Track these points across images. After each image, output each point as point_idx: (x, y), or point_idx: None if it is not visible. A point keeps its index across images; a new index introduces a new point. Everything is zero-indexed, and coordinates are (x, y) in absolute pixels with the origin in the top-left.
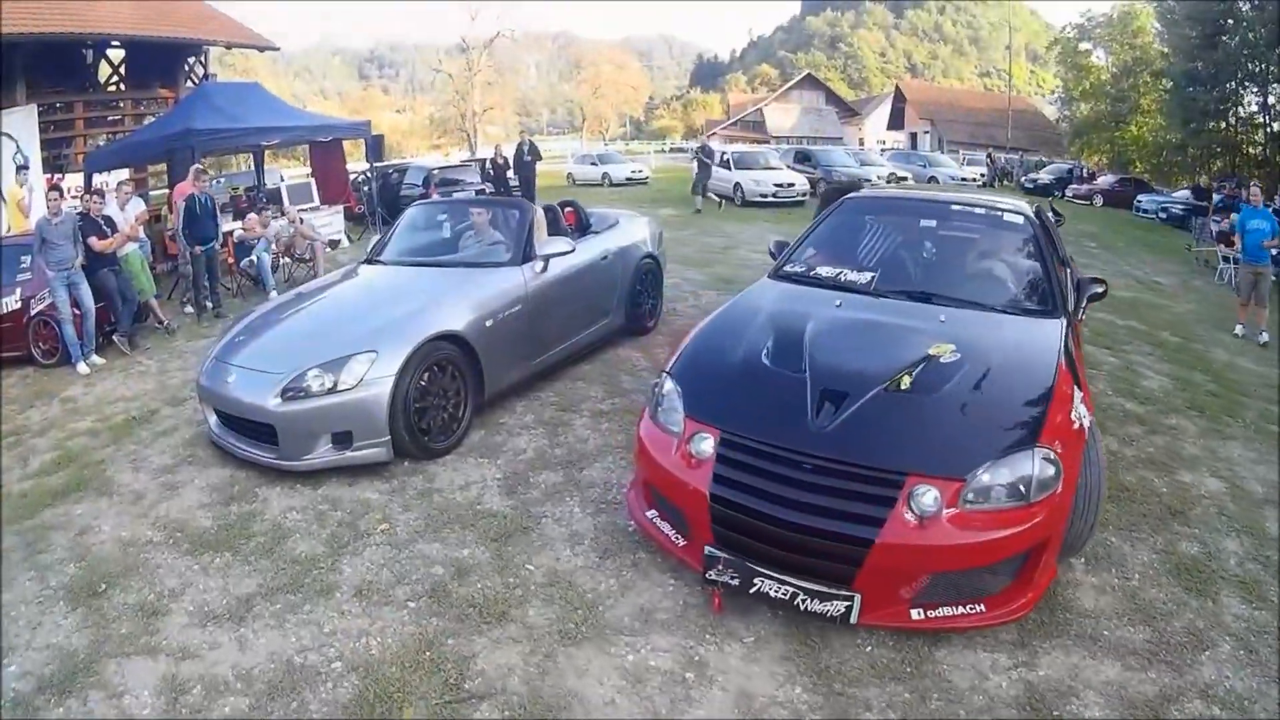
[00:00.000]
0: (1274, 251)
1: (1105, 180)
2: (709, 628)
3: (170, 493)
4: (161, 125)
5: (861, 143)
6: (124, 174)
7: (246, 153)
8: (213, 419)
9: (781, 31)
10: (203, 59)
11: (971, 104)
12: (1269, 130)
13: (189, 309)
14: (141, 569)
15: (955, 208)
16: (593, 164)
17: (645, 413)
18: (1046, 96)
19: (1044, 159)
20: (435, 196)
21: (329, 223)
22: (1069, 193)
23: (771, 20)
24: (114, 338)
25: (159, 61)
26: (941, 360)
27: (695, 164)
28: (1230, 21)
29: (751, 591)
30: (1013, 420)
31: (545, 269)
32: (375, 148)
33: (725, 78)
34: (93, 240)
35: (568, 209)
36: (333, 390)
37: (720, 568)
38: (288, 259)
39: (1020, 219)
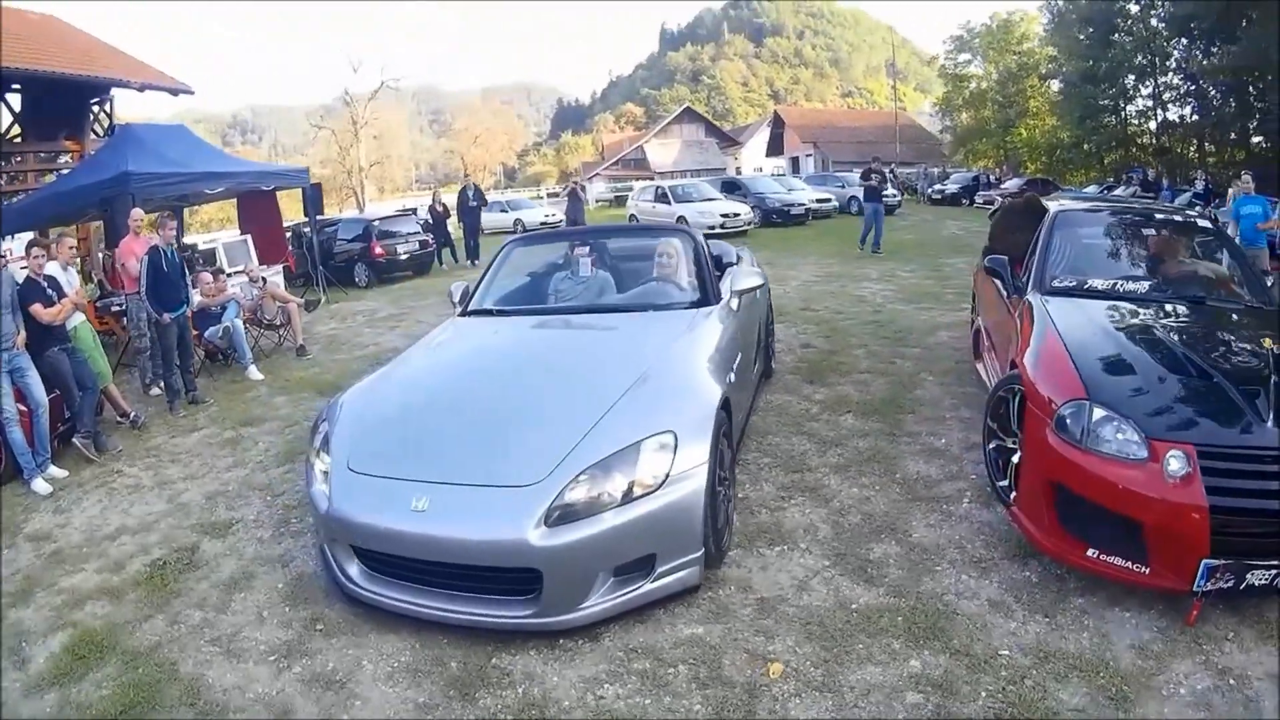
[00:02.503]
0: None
1: (1013, 183)
2: (1202, 641)
3: (343, 696)
4: (90, 171)
5: (739, 171)
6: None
7: (167, 207)
8: (355, 567)
9: (642, 69)
10: (108, 107)
11: (852, 123)
12: (1160, 119)
13: (155, 391)
14: None
15: (1159, 216)
16: (503, 210)
17: (1059, 446)
18: (919, 110)
19: (946, 169)
20: (378, 248)
21: None
22: (979, 199)
23: (631, 59)
24: (74, 439)
25: (62, 107)
26: (1276, 352)
27: (568, 200)
28: (1121, 20)
29: (1242, 588)
30: None
31: (738, 308)
32: (315, 198)
33: (591, 119)
34: (37, 308)
35: None
36: (627, 498)
37: (1218, 575)
38: (254, 327)
39: (1208, 224)
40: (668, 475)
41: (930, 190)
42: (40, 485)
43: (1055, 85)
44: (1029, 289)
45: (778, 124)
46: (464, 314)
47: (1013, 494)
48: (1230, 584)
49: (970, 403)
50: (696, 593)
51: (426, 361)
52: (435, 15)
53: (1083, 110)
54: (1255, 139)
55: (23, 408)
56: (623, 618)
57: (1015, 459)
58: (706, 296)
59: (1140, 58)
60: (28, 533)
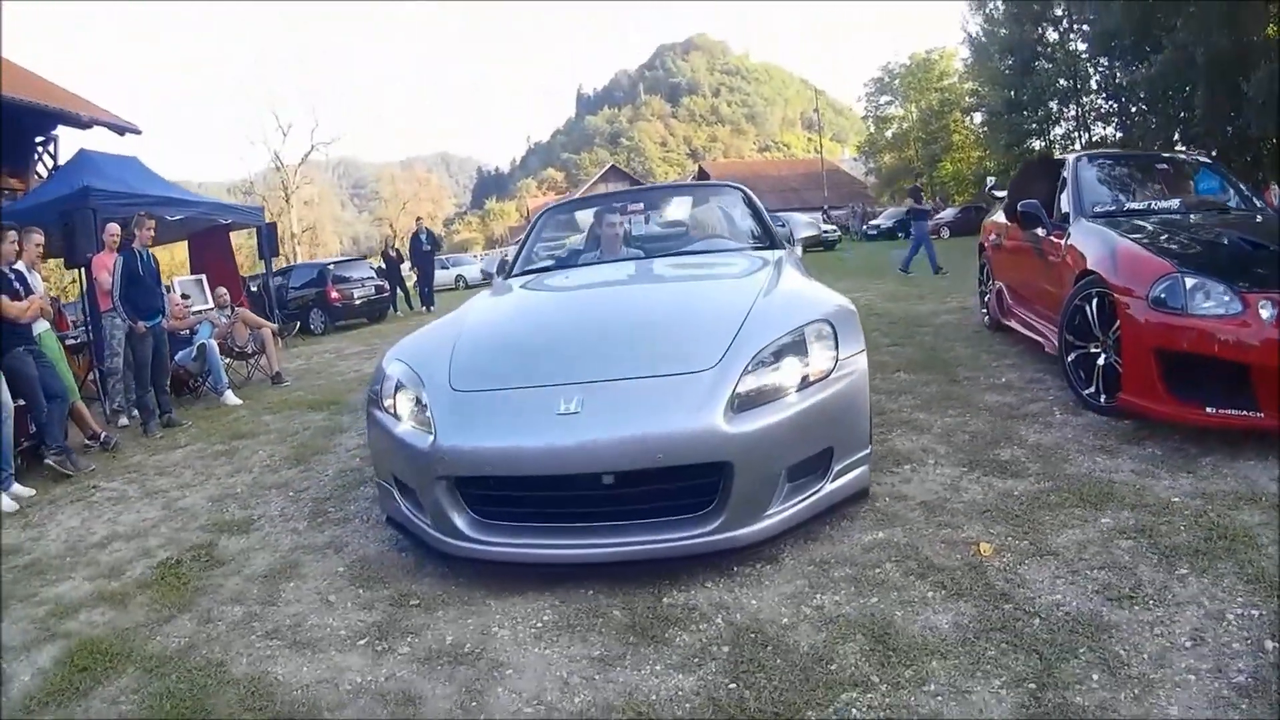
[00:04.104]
0: None
1: (948, 214)
2: None
3: (483, 668)
4: (47, 191)
5: None
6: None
7: None
8: (462, 518)
9: (561, 135)
10: (52, 148)
11: (777, 172)
12: (1085, 139)
13: (124, 421)
14: None
15: (1165, 155)
16: (444, 268)
17: (1160, 318)
18: (839, 158)
19: (873, 209)
20: (334, 292)
21: None
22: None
23: (549, 125)
24: (47, 459)
25: (5, 143)
26: None
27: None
28: (1041, 47)
29: None
30: None
31: (800, 255)
32: (270, 238)
33: (513, 186)
34: (2, 300)
35: None
36: (804, 384)
37: None
38: (225, 356)
39: (1208, 160)
40: (836, 362)
41: (865, 228)
42: (4, 502)
43: (978, 118)
44: (1072, 220)
45: (702, 178)
46: (508, 278)
47: (1102, 397)
48: None
49: (1007, 355)
50: (863, 503)
51: (501, 302)
52: (352, 89)
53: (1009, 138)
54: (1179, 148)
55: None
56: (793, 538)
57: (1100, 362)
58: (775, 242)
59: (1063, 81)
60: None
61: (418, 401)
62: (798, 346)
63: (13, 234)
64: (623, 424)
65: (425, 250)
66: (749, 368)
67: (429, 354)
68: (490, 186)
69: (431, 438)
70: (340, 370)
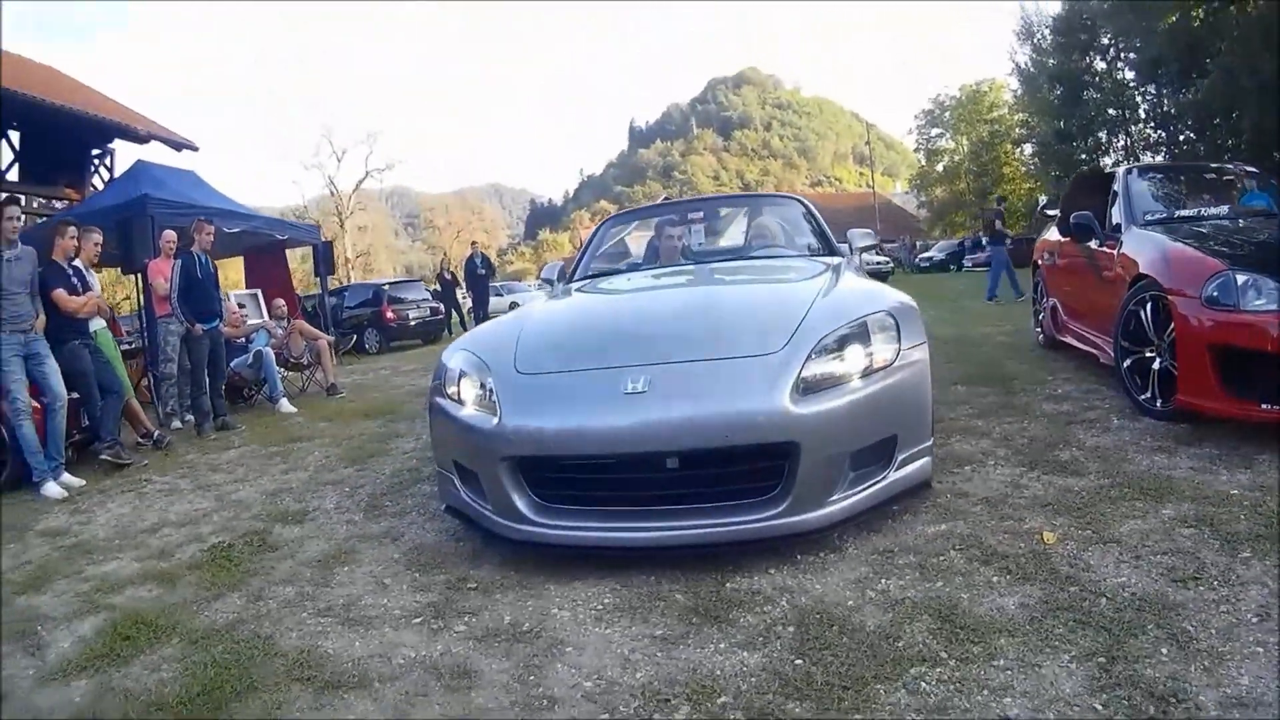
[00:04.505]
0: None
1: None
2: None
3: (542, 645)
4: (104, 198)
5: None
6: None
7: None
8: (524, 501)
9: (613, 167)
10: (108, 160)
11: (829, 205)
12: None
13: (178, 423)
14: None
15: (1213, 165)
16: (498, 295)
17: (1214, 315)
18: (891, 192)
19: (925, 242)
20: (389, 312)
21: None
22: (968, 263)
23: (601, 158)
24: (103, 454)
25: (63, 153)
26: None
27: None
28: (1089, 77)
29: None
30: None
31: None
32: (327, 256)
33: (565, 218)
34: (60, 294)
35: None
36: (868, 372)
37: None
38: (280, 367)
39: (1254, 170)
40: (898, 353)
41: (917, 260)
42: (52, 489)
43: (1028, 149)
44: (1124, 229)
45: None
46: (568, 283)
47: (1158, 402)
48: None
49: (1063, 369)
50: (924, 497)
51: (565, 301)
52: (406, 119)
53: (1059, 169)
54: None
55: (35, 403)
56: (855, 530)
57: (1155, 366)
58: (834, 250)
59: (1111, 110)
60: (39, 530)
61: (482, 386)
62: (860, 336)
63: (73, 229)
64: (690, 404)
65: (480, 274)
66: (813, 354)
67: (493, 344)
68: (543, 218)
69: (496, 419)
70: (396, 384)
